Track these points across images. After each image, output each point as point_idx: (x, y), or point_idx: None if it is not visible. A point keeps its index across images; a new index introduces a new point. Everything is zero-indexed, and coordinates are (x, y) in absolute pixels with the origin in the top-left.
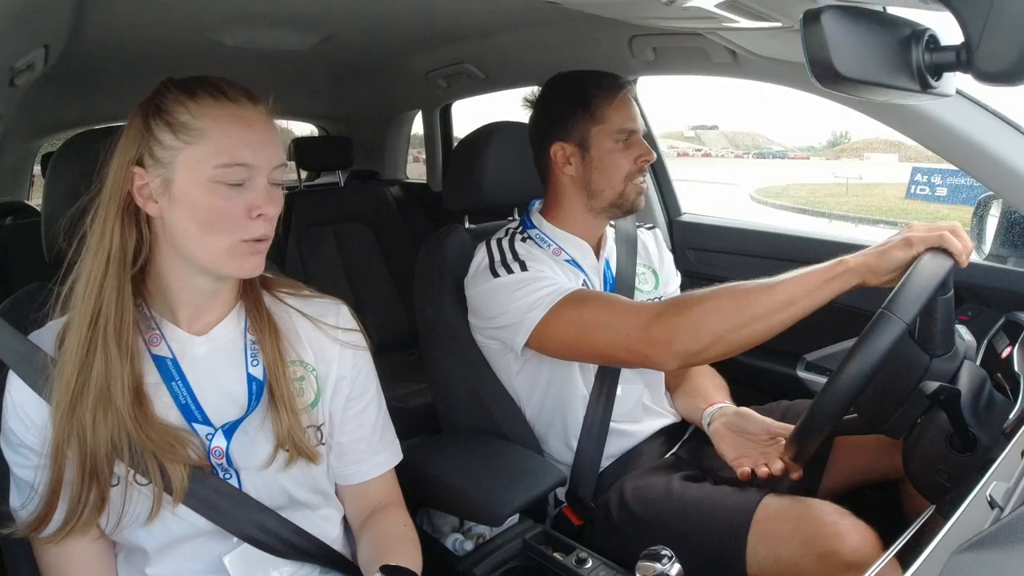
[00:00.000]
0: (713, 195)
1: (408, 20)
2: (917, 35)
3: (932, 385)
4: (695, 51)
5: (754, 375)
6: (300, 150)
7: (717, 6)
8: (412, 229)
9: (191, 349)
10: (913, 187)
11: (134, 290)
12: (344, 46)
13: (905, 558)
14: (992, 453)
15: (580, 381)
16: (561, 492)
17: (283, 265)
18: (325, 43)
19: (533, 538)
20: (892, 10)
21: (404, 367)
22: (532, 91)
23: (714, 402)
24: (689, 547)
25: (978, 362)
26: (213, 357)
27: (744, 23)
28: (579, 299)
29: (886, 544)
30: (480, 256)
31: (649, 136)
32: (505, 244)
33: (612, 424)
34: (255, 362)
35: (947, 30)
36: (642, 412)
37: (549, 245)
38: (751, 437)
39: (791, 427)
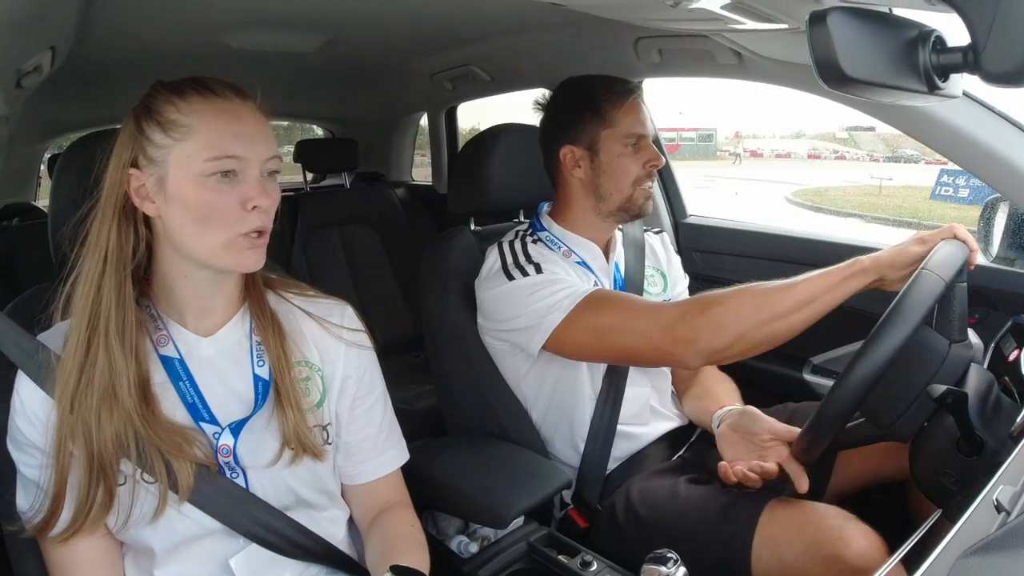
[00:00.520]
0: (750, 196)
1: (413, 22)
2: (924, 36)
3: (939, 388)
4: (700, 53)
5: (760, 378)
6: (305, 152)
7: (723, 7)
8: (417, 231)
9: (198, 350)
10: (939, 188)
11: (141, 292)
12: (349, 48)
13: (911, 562)
14: (999, 457)
15: (587, 383)
16: (567, 494)
17: (288, 267)
18: (330, 45)
19: (538, 540)
20: (898, 11)
21: (409, 369)
22: (544, 94)
23: (724, 405)
24: (694, 550)
25: (985, 365)
26: (219, 358)
27: (750, 24)
28: (598, 300)
29: (892, 548)
30: (492, 258)
31: (657, 141)
32: (517, 246)
33: (619, 427)
34: (261, 362)
35: (954, 31)
36: (649, 415)
37: (559, 247)
38: (753, 438)
39: (795, 429)
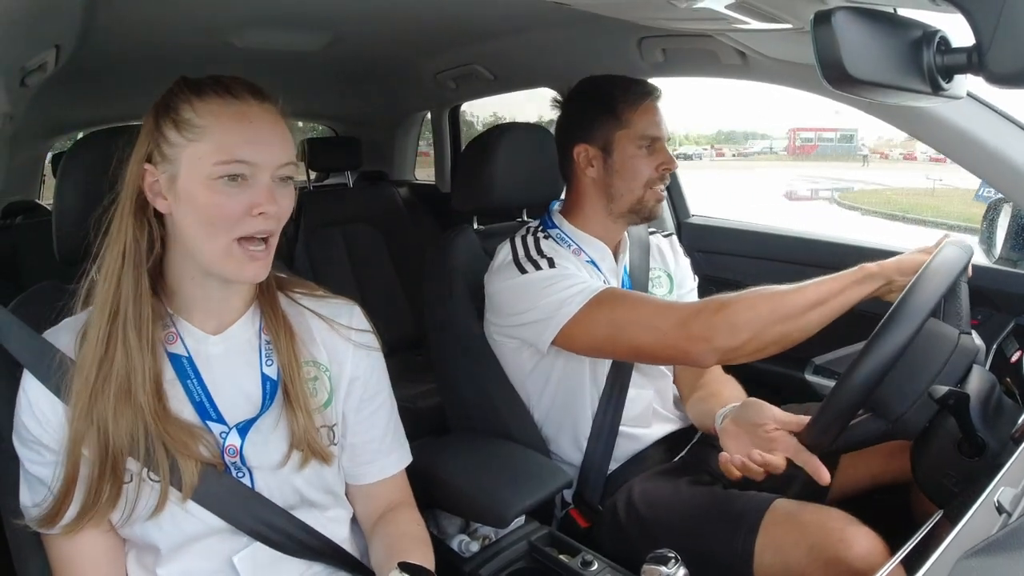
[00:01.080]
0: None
1: (417, 22)
2: (928, 37)
3: (941, 389)
4: (704, 53)
5: (763, 378)
6: (309, 151)
7: (727, 7)
8: (420, 230)
9: (207, 348)
10: (982, 189)
11: (152, 288)
12: (353, 47)
13: (912, 564)
14: (1001, 458)
15: (591, 383)
16: (568, 494)
17: (292, 265)
18: (334, 44)
19: (539, 540)
20: (903, 11)
21: (411, 368)
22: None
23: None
24: (696, 551)
25: (987, 367)
26: (228, 356)
27: (754, 24)
28: (612, 297)
29: (893, 550)
30: (504, 252)
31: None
32: (530, 241)
33: (621, 428)
34: (269, 362)
35: (958, 32)
36: (652, 416)
37: (569, 245)
38: (756, 429)
39: (802, 417)
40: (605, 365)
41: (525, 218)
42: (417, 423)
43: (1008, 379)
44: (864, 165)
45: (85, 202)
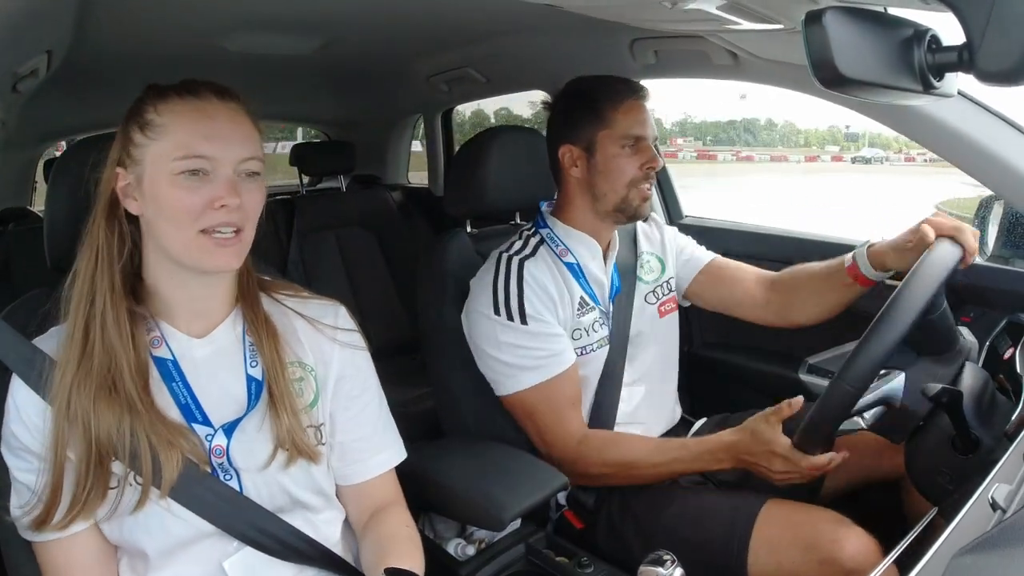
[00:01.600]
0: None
1: (409, 25)
2: (919, 35)
3: (934, 387)
4: (696, 54)
5: (755, 378)
6: (301, 155)
7: (718, 8)
8: (414, 234)
9: (191, 351)
10: None
11: (135, 294)
12: (345, 51)
13: (906, 561)
14: (994, 455)
15: (583, 383)
16: (562, 496)
17: (285, 270)
18: (326, 48)
19: (535, 542)
20: (893, 11)
21: (406, 372)
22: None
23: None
24: (691, 551)
25: (980, 363)
26: (213, 359)
27: (745, 25)
28: (548, 390)
29: (887, 548)
30: (488, 273)
31: (656, 144)
32: (513, 270)
33: (616, 427)
34: (254, 363)
35: (949, 30)
36: (645, 415)
37: (557, 245)
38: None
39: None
40: (597, 366)
41: (518, 221)
42: (411, 427)
43: (1001, 376)
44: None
45: (76, 208)
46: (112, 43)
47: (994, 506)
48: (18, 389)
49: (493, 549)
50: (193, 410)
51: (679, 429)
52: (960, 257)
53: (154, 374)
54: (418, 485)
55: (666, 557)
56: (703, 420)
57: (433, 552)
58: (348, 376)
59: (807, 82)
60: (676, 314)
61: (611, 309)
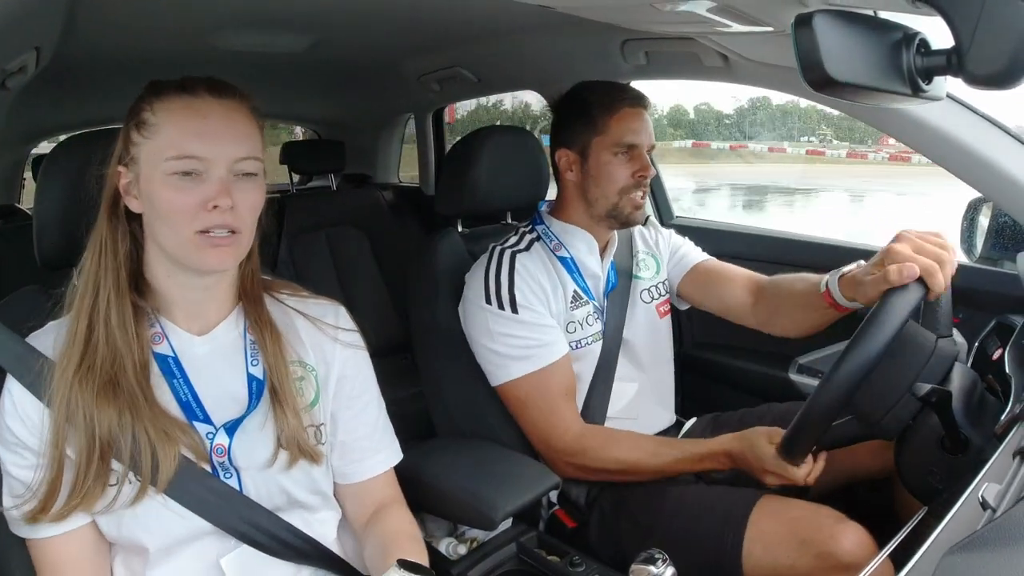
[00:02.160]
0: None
1: (401, 24)
2: (908, 39)
3: (924, 387)
4: (687, 55)
5: (745, 378)
6: (292, 154)
7: (708, 10)
8: (405, 233)
9: (192, 349)
10: None
11: (138, 291)
12: (336, 49)
13: (898, 559)
14: (984, 454)
15: (576, 380)
16: (553, 495)
17: (274, 269)
18: (317, 46)
19: (527, 541)
20: (883, 14)
21: (397, 372)
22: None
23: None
24: (684, 548)
25: (969, 364)
26: (214, 357)
27: (735, 27)
28: (542, 378)
29: (879, 545)
30: (481, 265)
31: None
32: (505, 261)
33: (608, 422)
34: (255, 362)
35: (938, 34)
36: (637, 411)
37: (552, 240)
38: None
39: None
40: (591, 363)
41: (509, 221)
42: (403, 427)
43: (990, 376)
44: None
45: (66, 206)
46: (101, 40)
47: (984, 505)
48: (14, 385)
49: (484, 548)
50: (194, 407)
51: (671, 429)
52: (922, 296)
53: (155, 370)
54: (410, 484)
55: (658, 556)
56: (694, 419)
57: None
58: (349, 376)
59: (797, 84)
60: (670, 316)
61: (605, 305)
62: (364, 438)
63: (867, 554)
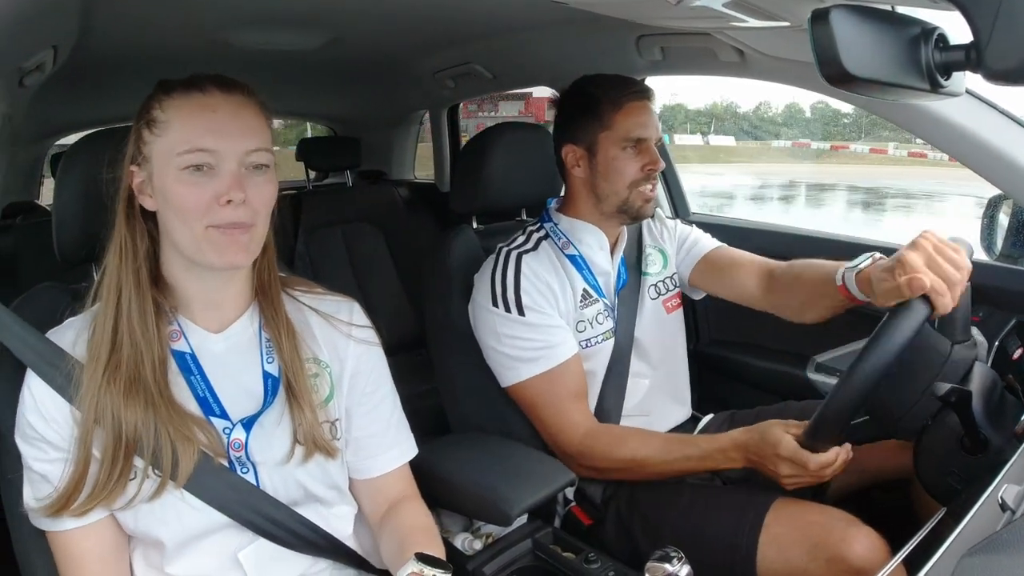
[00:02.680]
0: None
1: (415, 20)
2: (926, 34)
3: (943, 387)
4: (703, 51)
5: (762, 376)
6: (308, 151)
7: (725, 5)
8: (420, 229)
9: (209, 345)
10: None
11: (155, 284)
12: (351, 46)
13: (915, 561)
14: (1004, 455)
15: (588, 375)
16: (570, 491)
17: (291, 265)
18: (332, 44)
19: (542, 538)
20: (901, 9)
21: (412, 368)
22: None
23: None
24: (700, 548)
25: (989, 363)
26: (230, 354)
27: (752, 22)
28: (551, 379)
29: (894, 547)
30: (488, 267)
31: (660, 145)
32: (511, 263)
33: (623, 419)
34: (270, 359)
35: (956, 29)
36: (650, 407)
37: (560, 238)
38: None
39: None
40: (604, 358)
41: (524, 217)
42: (418, 423)
43: (1010, 376)
44: None
45: (84, 203)
46: (117, 38)
47: (1003, 507)
48: (34, 380)
49: (500, 544)
50: (211, 403)
51: (687, 425)
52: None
53: (172, 367)
54: (425, 480)
55: (673, 554)
56: (710, 416)
57: None
58: (363, 372)
59: (814, 79)
60: (681, 311)
61: (616, 302)
62: (378, 434)
63: (879, 559)
